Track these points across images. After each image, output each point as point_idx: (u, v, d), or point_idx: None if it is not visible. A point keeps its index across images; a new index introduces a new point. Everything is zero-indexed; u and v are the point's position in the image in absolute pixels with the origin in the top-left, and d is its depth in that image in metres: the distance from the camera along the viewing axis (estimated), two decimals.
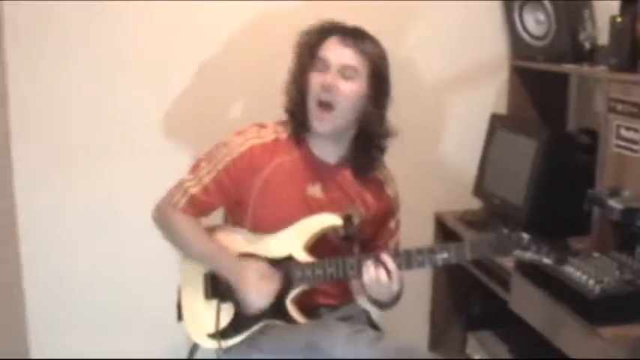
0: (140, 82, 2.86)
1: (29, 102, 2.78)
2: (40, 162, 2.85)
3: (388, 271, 2.07)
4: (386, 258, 2.08)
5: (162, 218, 2.30)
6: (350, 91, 2.15)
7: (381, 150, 2.28)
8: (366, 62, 2.15)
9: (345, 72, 2.13)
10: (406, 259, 2.10)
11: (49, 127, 2.84)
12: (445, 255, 2.09)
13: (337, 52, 2.13)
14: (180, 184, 2.27)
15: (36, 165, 2.84)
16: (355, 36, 2.16)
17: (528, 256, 2.06)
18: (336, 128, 2.18)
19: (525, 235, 2.06)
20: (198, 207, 2.26)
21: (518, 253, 2.06)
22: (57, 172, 2.87)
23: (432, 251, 2.11)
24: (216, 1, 2.85)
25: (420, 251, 2.11)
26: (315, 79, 2.15)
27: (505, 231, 2.12)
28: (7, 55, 2.73)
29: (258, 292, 2.16)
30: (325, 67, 2.14)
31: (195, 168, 2.27)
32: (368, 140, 2.24)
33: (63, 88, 2.81)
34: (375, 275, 2.08)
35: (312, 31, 2.18)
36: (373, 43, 2.19)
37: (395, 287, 2.09)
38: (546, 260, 2.04)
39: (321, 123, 2.17)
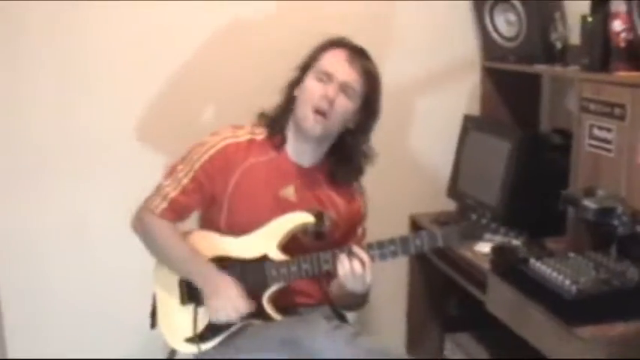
0: (111, 90, 2.81)
1: None
2: (11, 173, 2.79)
3: (362, 262, 2.09)
4: (358, 250, 2.10)
5: (140, 225, 2.30)
6: (344, 106, 2.18)
7: (359, 169, 2.33)
8: (365, 86, 2.19)
9: (345, 89, 2.16)
10: (379, 250, 2.13)
11: (17, 137, 2.77)
12: (417, 242, 2.12)
13: (342, 70, 2.16)
14: (158, 190, 2.27)
15: (5, 177, 2.79)
16: (361, 56, 2.19)
17: (498, 238, 2.10)
18: (325, 133, 2.21)
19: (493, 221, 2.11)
20: (177, 210, 2.25)
21: (488, 236, 2.10)
22: (28, 183, 2.82)
23: (404, 240, 2.13)
24: (191, 3, 2.79)
25: (392, 241, 2.13)
26: (316, 88, 2.18)
27: (474, 217, 2.13)
28: None
29: (231, 305, 2.16)
30: (327, 79, 2.16)
31: (171, 172, 2.27)
32: (346, 151, 2.27)
33: (29, 98, 2.76)
34: (349, 267, 2.09)
35: (321, 43, 2.22)
36: (374, 68, 2.22)
37: (368, 278, 2.11)
38: (516, 242, 2.08)
39: (313, 126, 2.19)
